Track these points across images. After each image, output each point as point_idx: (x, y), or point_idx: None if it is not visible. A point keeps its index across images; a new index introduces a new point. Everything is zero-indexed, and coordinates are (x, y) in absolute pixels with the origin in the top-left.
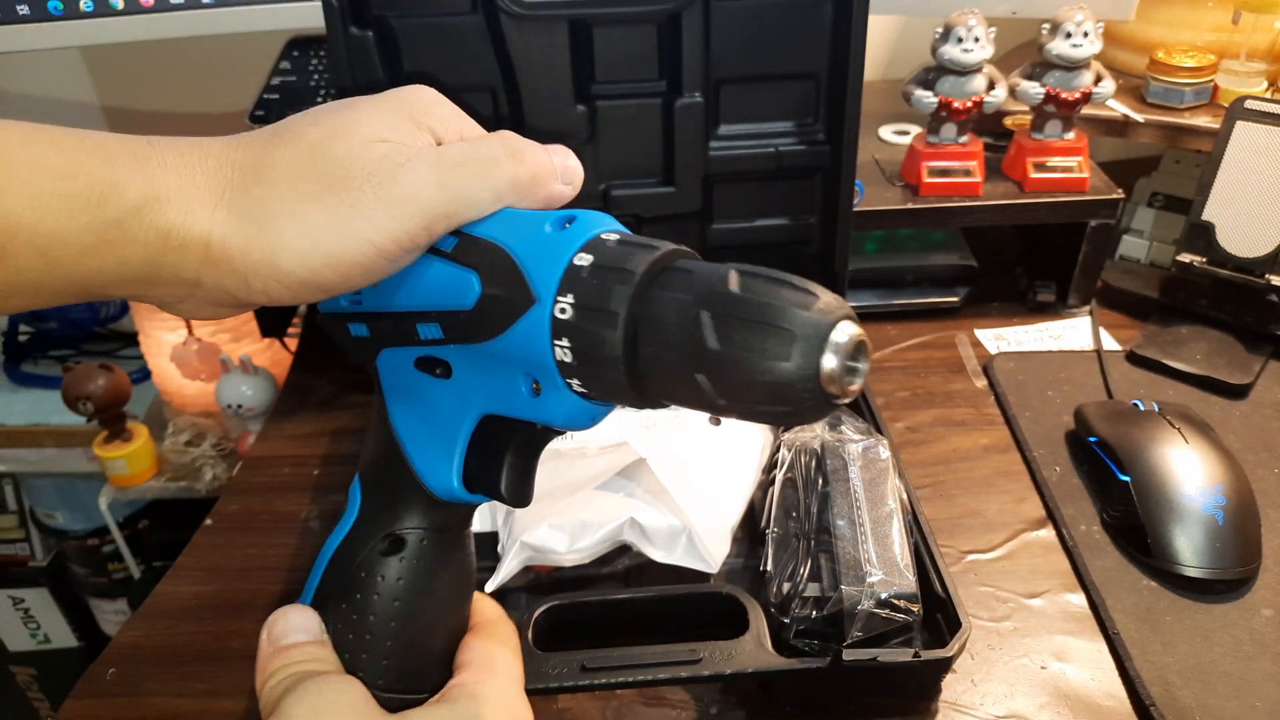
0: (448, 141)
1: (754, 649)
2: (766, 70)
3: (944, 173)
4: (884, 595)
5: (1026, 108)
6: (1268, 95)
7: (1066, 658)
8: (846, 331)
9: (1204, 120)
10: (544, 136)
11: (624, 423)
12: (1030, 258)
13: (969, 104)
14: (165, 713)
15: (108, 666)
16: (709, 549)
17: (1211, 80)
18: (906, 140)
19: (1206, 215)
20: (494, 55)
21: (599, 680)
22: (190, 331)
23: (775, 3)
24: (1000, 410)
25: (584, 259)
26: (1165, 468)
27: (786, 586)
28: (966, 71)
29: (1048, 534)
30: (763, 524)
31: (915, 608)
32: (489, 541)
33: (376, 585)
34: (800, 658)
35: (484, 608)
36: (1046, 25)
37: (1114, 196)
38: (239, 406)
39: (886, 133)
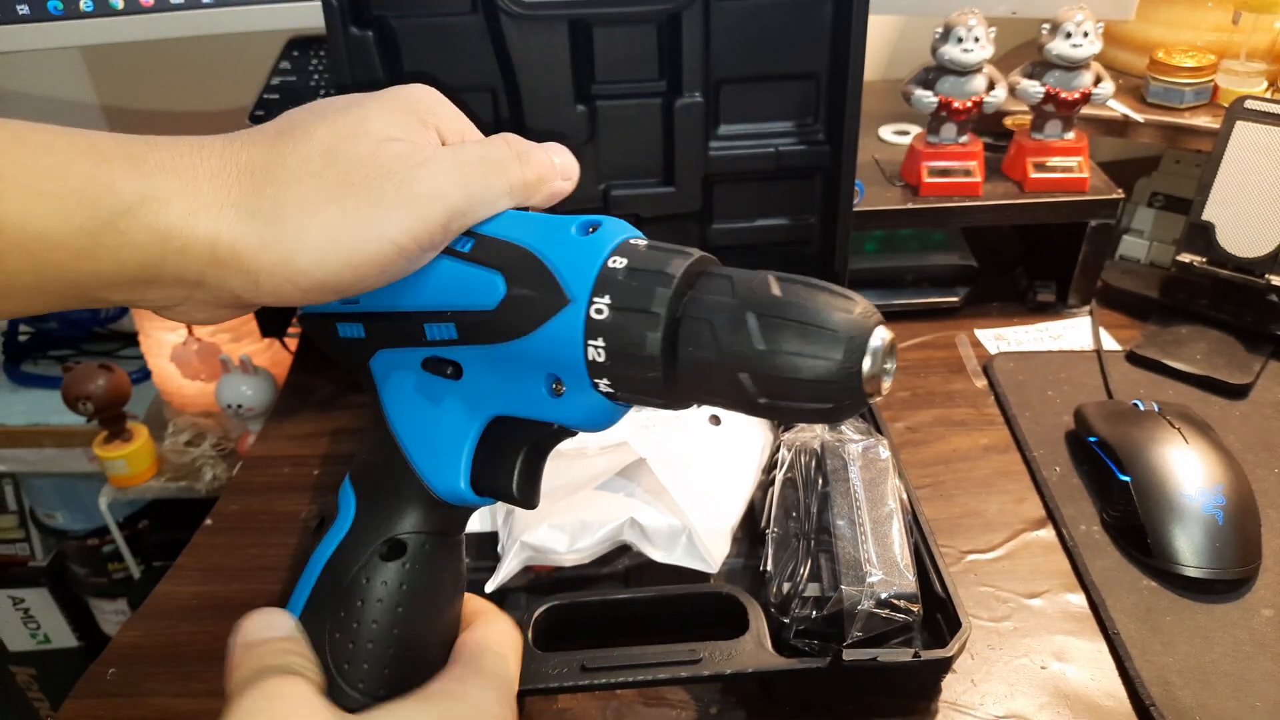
0: (450, 141)
1: (754, 649)
2: (766, 70)
3: (944, 173)
4: (884, 595)
5: (1026, 108)
6: (1268, 95)
7: (1066, 658)
8: (882, 335)
9: (1204, 120)
10: (544, 136)
11: (624, 423)
12: (1030, 258)
13: (969, 104)
14: (165, 713)
15: (108, 666)
16: (709, 549)
17: (1211, 80)
18: (906, 140)
19: (1206, 215)
20: (494, 55)
21: (599, 680)
22: (190, 332)
23: (775, 3)
24: (1000, 410)
25: (618, 262)
26: (1165, 468)
27: (786, 586)
28: (966, 71)
29: (1048, 534)
30: (763, 524)
31: (915, 608)
32: (489, 541)
33: (378, 591)
34: (800, 658)
35: (480, 607)
36: (1046, 25)
37: (1114, 196)
38: (239, 406)
39: (886, 133)
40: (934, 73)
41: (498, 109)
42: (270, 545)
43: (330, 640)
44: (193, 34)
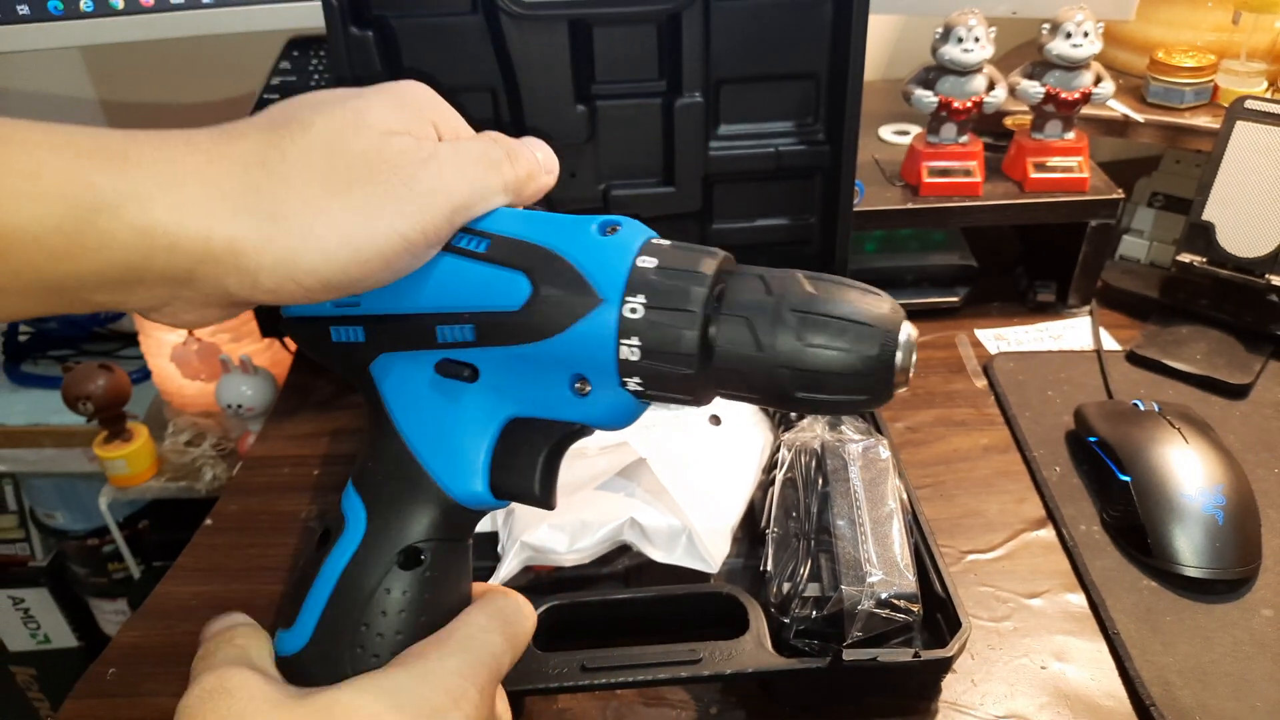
0: (446, 138)
1: (754, 649)
2: (766, 70)
3: (944, 172)
4: (884, 595)
5: (1026, 108)
6: (1268, 95)
7: (1066, 658)
8: (908, 329)
9: (1204, 120)
10: (544, 136)
11: None
12: (1030, 258)
13: (969, 104)
14: (165, 713)
15: (108, 666)
16: (709, 549)
17: (1211, 80)
18: (906, 140)
19: (1206, 215)
20: (494, 55)
21: (599, 680)
22: (190, 332)
23: (775, 2)
24: (1000, 410)
25: (647, 261)
26: (1165, 468)
27: (786, 586)
28: (967, 71)
29: (1048, 534)
30: (763, 524)
31: (915, 608)
32: (489, 541)
33: (399, 602)
34: (800, 658)
35: (486, 587)
36: (1046, 25)
37: (1114, 196)
38: (239, 406)
39: (886, 133)
40: (934, 72)
41: (498, 109)
42: (270, 545)
43: (352, 655)
44: (193, 34)
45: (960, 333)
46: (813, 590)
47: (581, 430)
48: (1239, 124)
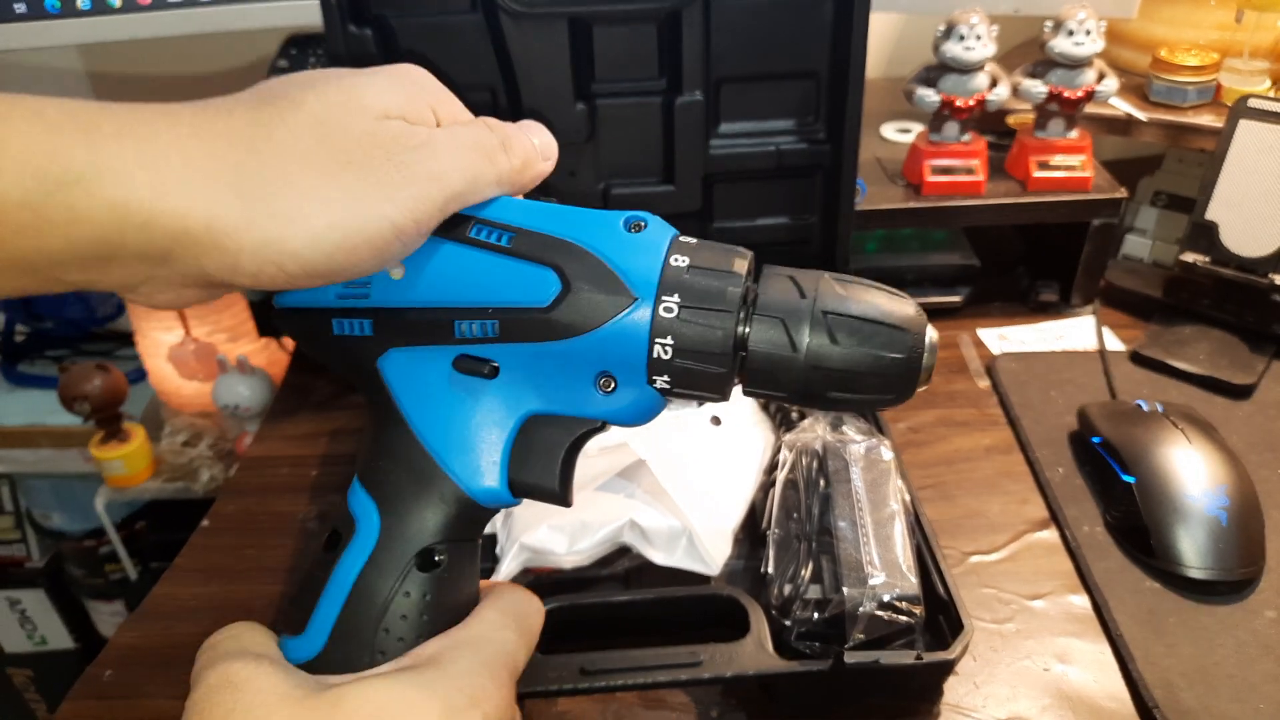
0: (445, 123)
1: (755, 651)
2: (767, 68)
3: (946, 171)
4: (886, 597)
5: (1029, 106)
6: (1271, 94)
7: (1069, 660)
8: (932, 331)
9: (1207, 119)
10: None
11: None
12: (1032, 257)
13: (971, 102)
14: (163, 714)
15: (105, 668)
16: (709, 551)
17: (1215, 79)
18: (908, 139)
19: (1210, 215)
20: (493, 54)
21: (598, 683)
22: (187, 331)
23: (776, 1)
24: (1003, 410)
25: (679, 260)
26: (1169, 469)
27: (788, 588)
28: (969, 69)
29: (1050, 535)
30: (764, 525)
31: (917, 610)
32: (488, 543)
33: (419, 605)
34: (801, 660)
35: (492, 582)
36: (1049, 23)
37: (1117, 196)
38: (236, 406)
39: (888, 131)
40: (936, 71)
41: (497, 108)
42: (268, 546)
43: (371, 661)
44: (190, 32)
45: (962, 333)
46: (814, 592)
47: (601, 426)
48: (1242, 123)
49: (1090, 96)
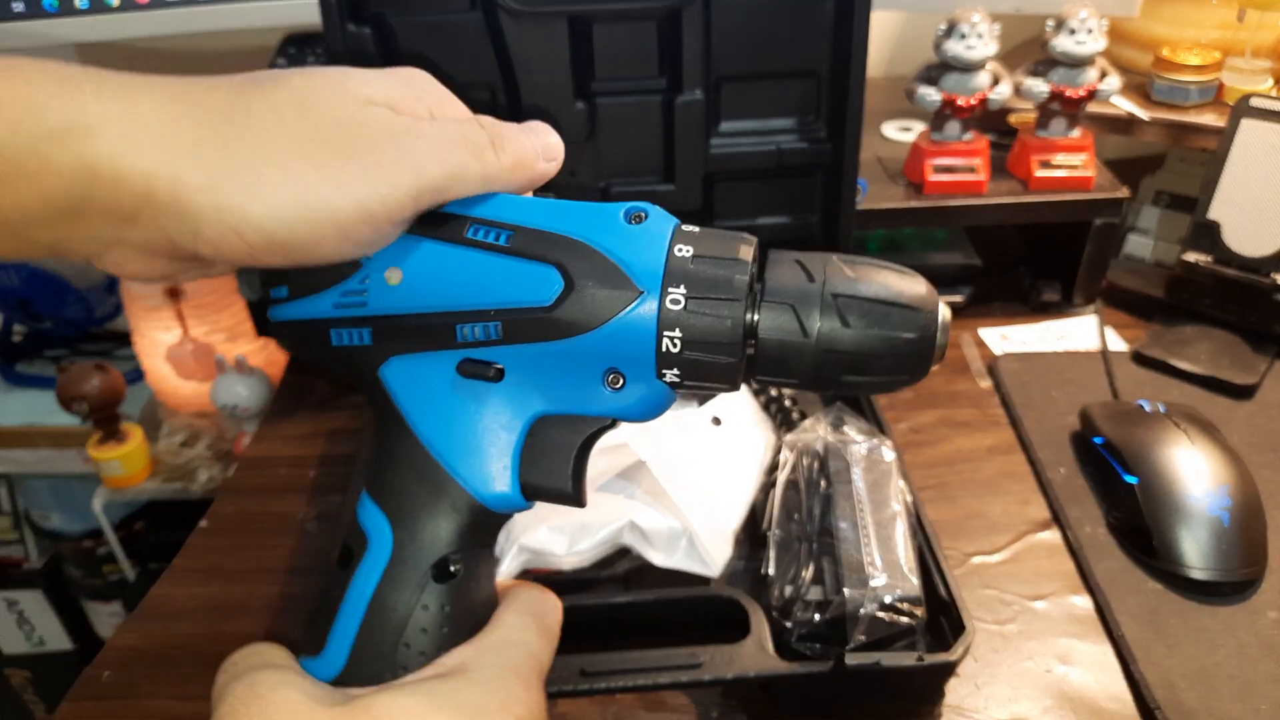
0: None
1: (755, 653)
2: (768, 67)
3: (948, 170)
4: (887, 598)
5: (1031, 105)
6: (1273, 93)
7: (1071, 661)
8: (945, 309)
9: (1209, 118)
10: None
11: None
12: (1034, 257)
13: (973, 101)
14: (161, 716)
15: (103, 669)
16: (710, 552)
17: (1217, 78)
18: (910, 138)
19: (1212, 214)
20: (493, 52)
21: (598, 685)
22: (185, 331)
23: None
24: (1005, 411)
25: (683, 250)
26: (1171, 469)
27: (789, 590)
28: (970, 68)
29: (1052, 536)
30: (764, 526)
31: (919, 611)
32: None
33: (439, 617)
34: (802, 662)
35: (508, 583)
36: (1051, 22)
37: (1119, 195)
38: (234, 407)
39: (889, 130)
40: (938, 69)
41: (496, 106)
42: (267, 547)
43: (395, 677)
44: (188, 30)
45: (964, 332)
46: (815, 593)
47: (611, 424)
48: (1244, 122)
49: (1092, 95)
